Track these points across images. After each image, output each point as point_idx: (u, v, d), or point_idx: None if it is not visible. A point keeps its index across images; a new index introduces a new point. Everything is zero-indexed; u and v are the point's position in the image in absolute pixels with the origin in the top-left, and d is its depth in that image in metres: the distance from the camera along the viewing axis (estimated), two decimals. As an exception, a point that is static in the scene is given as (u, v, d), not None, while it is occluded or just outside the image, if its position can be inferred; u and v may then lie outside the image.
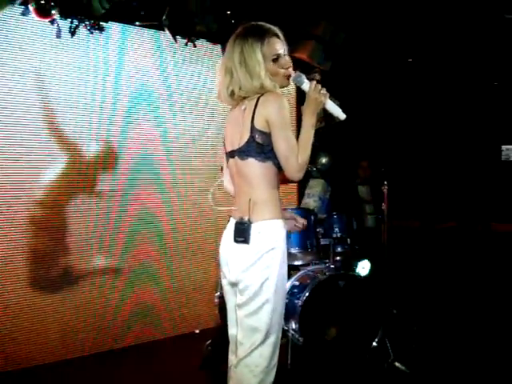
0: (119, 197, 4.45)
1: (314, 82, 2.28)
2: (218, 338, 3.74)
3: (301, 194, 5.69)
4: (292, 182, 2.31)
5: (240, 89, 2.27)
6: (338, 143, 5.87)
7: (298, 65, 5.53)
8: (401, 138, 6.94)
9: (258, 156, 2.20)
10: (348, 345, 3.84)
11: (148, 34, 4.59)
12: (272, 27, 2.31)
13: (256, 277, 2.17)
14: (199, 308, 4.88)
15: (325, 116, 5.51)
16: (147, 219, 4.60)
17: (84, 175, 4.27)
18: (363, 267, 4.63)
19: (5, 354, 3.92)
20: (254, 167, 2.22)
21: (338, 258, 4.16)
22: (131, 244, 4.50)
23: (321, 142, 5.80)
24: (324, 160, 5.78)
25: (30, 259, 4.02)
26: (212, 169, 4.87)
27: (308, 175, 5.67)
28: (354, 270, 4.49)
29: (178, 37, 4.62)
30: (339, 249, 4.13)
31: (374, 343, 3.91)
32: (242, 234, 2.20)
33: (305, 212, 4.20)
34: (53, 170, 4.11)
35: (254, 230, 2.20)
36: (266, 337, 2.19)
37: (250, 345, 2.20)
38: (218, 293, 3.91)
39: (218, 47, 4.96)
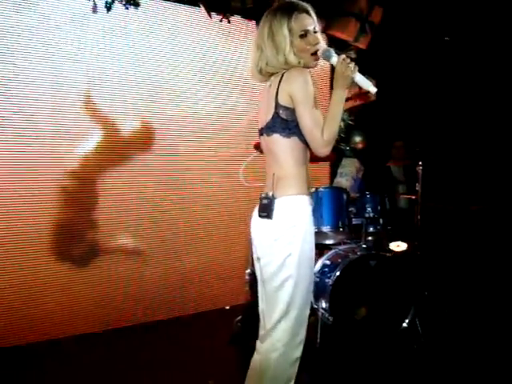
0: (160, 176, 4.50)
1: (343, 56, 2.24)
2: (247, 314, 3.77)
3: (333, 173, 5.64)
4: (320, 159, 2.29)
5: (267, 64, 2.28)
6: (372, 122, 5.79)
7: (334, 43, 5.47)
8: (437, 118, 6.81)
9: (282, 132, 2.20)
10: (378, 325, 3.83)
11: (183, 9, 4.57)
12: (303, 4, 2.29)
13: (278, 252, 2.18)
14: (230, 284, 4.91)
15: (359, 93, 5.47)
16: (179, 195, 4.63)
17: (120, 152, 4.31)
18: (398, 245, 4.58)
19: (41, 325, 4.02)
20: (280, 143, 2.22)
21: (369, 237, 4.13)
22: (163, 220, 4.54)
23: (355, 120, 5.75)
24: (358, 139, 5.73)
25: (64, 233, 4.10)
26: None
27: (341, 154, 5.62)
28: (388, 249, 4.45)
29: (212, 13, 4.59)
30: (371, 229, 4.09)
31: (405, 324, 3.89)
32: (265, 209, 2.22)
33: (337, 191, 4.17)
34: (88, 146, 4.15)
35: (277, 206, 2.20)
36: (287, 311, 2.20)
37: (273, 319, 2.22)
38: (249, 269, 3.93)
39: (253, 23, 4.92)
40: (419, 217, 4.28)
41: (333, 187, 4.67)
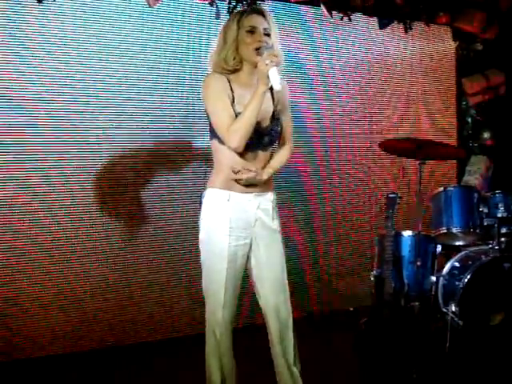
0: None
1: (265, 54, 2.33)
2: (372, 316, 3.70)
3: (461, 172, 5.43)
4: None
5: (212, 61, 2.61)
6: (501, 118, 5.51)
7: (461, 36, 5.27)
8: None
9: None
10: (512, 332, 3.63)
11: (302, 9, 4.58)
12: (260, 7, 2.60)
13: None
14: (355, 285, 4.85)
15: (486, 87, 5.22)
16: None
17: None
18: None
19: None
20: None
21: (502, 239, 3.91)
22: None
23: (484, 116, 5.49)
24: (486, 135, 5.49)
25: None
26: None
27: (469, 151, 5.40)
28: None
29: (333, 12, 4.58)
30: (504, 229, 3.87)
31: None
32: None
33: (467, 190, 4.00)
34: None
35: None
36: None
37: None
38: (375, 271, 3.87)
39: (374, 19, 4.84)
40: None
41: (462, 186, 4.50)
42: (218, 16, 4.19)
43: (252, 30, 2.42)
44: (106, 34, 3.84)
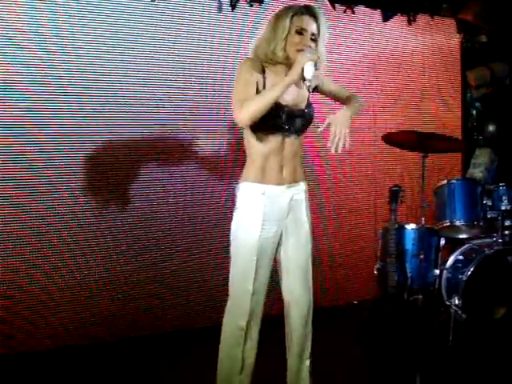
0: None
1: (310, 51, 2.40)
2: (375, 309, 3.71)
3: (466, 164, 5.41)
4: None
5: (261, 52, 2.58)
6: (506, 110, 5.48)
7: (465, 27, 5.24)
8: None
9: None
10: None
11: (304, 2, 4.52)
12: (315, 9, 2.53)
13: None
14: (358, 279, 4.85)
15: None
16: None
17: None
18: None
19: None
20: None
21: (506, 232, 3.91)
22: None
23: (488, 109, 5.47)
24: (491, 128, 5.47)
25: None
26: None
27: (474, 144, 5.38)
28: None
29: (336, 4, 4.56)
30: (508, 222, 3.87)
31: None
32: None
33: (471, 183, 3.99)
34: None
35: None
36: None
37: None
38: (378, 264, 3.87)
39: (378, 12, 4.82)
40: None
41: (466, 179, 4.49)
42: (220, 9, 4.18)
43: (301, 32, 2.45)
44: (104, 27, 3.81)
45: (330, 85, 2.74)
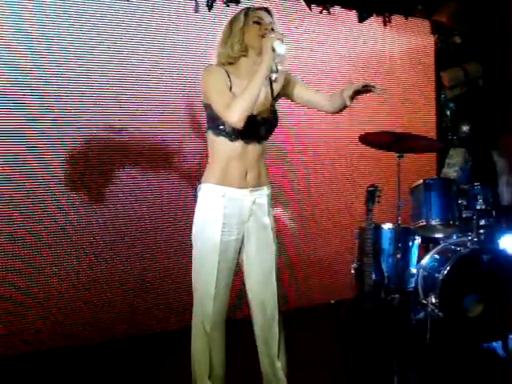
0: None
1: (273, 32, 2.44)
2: (353, 308, 3.72)
3: (440, 164, 5.46)
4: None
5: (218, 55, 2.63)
6: (480, 110, 5.54)
7: (439, 28, 5.29)
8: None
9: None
10: (492, 323, 3.65)
11: (280, 2, 4.55)
12: (264, 6, 2.63)
13: None
14: (335, 278, 4.86)
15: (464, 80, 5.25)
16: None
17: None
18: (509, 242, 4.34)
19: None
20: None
21: (481, 231, 3.94)
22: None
23: (462, 109, 5.53)
24: (465, 128, 5.52)
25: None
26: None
27: (449, 144, 5.43)
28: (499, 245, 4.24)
29: (312, 5, 4.57)
30: (483, 221, 3.90)
31: (521, 322, 3.69)
32: None
33: (446, 182, 4.02)
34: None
35: None
36: None
37: None
38: (355, 264, 3.88)
39: (354, 13, 4.85)
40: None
41: (441, 178, 4.52)
42: (196, 10, 4.17)
43: (259, 21, 2.49)
44: (92, 28, 3.83)
45: (301, 86, 2.71)
